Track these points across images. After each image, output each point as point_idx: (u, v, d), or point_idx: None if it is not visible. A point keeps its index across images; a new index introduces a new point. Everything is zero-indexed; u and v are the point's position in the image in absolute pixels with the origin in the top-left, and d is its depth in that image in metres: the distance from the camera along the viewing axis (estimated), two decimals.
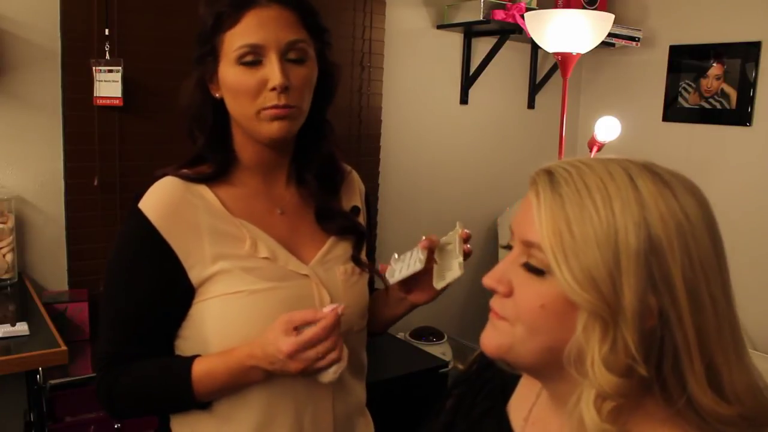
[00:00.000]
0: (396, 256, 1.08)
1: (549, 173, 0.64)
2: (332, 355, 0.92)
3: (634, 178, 0.61)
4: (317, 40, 1.04)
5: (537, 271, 0.63)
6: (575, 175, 0.62)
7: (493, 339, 0.68)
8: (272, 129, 0.99)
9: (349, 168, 1.19)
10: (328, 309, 0.92)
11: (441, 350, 2.59)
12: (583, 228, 0.59)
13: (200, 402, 0.99)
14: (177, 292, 0.99)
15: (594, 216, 0.59)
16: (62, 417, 1.71)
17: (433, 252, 1.04)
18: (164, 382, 0.99)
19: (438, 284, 1.02)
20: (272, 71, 0.96)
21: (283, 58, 0.98)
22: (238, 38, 0.97)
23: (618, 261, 0.58)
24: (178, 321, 1.01)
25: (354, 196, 1.18)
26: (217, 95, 1.02)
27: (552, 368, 0.64)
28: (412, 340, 2.63)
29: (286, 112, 0.99)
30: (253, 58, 0.97)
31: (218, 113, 1.04)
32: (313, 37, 1.03)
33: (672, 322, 0.58)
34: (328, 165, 1.12)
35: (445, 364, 2.36)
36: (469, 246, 1.04)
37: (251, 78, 0.97)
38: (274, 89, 0.97)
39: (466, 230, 1.05)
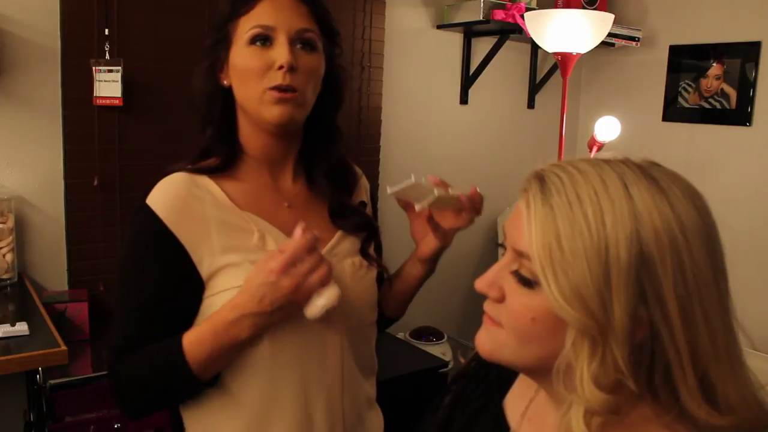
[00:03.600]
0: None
1: (541, 180, 0.62)
2: (322, 271, 0.93)
3: (628, 187, 0.58)
4: (327, 38, 1.07)
5: (527, 282, 0.62)
6: (568, 184, 0.60)
7: (486, 343, 0.67)
8: (274, 113, 1.01)
9: (359, 171, 1.21)
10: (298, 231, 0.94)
11: (441, 350, 2.59)
12: (573, 243, 0.57)
13: (200, 378, 0.97)
14: (188, 286, 1.00)
15: (584, 230, 0.57)
16: (62, 417, 1.71)
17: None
18: (160, 362, 0.98)
19: (418, 205, 1.08)
20: (281, 51, 1.00)
21: (293, 43, 1.01)
22: (251, 20, 1.01)
23: (608, 277, 0.56)
24: (189, 315, 1.01)
25: (360, 192, 1.20)
26: (225, 83, 1.05)
27: (547, 373, 0.64)
28: (412, 340, 2.63)
29: (289, 96, 1.01)
30: (263, 37, 1.01)
31: (226, 103, 1.06)
32: (323, 33, 1.06)
33: (663, 336, 0.57)
34: (340, 168, 1.14)
35: (445, 364, 2.36)
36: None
37: (260, 58, 1.00)
38: (280, 68, 0.99)
39: (433, 176, 1.09)
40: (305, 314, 0.95)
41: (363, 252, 1.12)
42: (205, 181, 1.03)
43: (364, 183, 1.23)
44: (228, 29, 1.03)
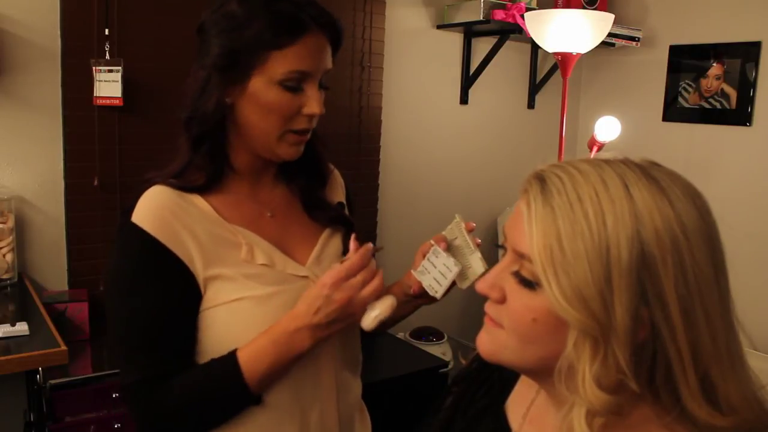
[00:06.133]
0: (414, 272, 1.08)
1: (541, 181, 0.62)
2: (376, 282, 0.96)
3: (629, 187, 0.58)
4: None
5: (528, 283, 0.62)
6: (568, 185, 0.60)
7: (487, 345, 0.67)
8: (291, 152, 1.03)
9: (331, 166, 1.20)
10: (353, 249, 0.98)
11: (441, 350, 2.59)
12: (574, 243, 0.57)
13: (253, 394, 0.97)
14: (191, 299, 0.98)
15: (585, 231, 0.57)
16: (62, 417, 1.71)
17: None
18: (214, 382, 0.97)
19: (463, 284, 1.06)
20: (313, 100, 1.00)
21: (319, 85, 1.01)
22: (289, 62, 0.97)
23: (609, 277, 0.56)
24: (196, 328, 0.99)
25: (337, 192, 1.19)
26: (227, 100, 1.00)
27: (548, 374, 0.64)
28: (412, 340, 2.63)
29: (306, 138, 1.04)
30: (297, 84, 0.99)
31: (222, 119, 1.02)
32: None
33: (664, 336, 0.57)
34: (312, 160, 1.13)
35: (445, 364, 2.36)
36: (478, 239, 1.07)
37: (291, 101, 0.99)
38: (308, 115, 1.00)
39: (470, 223, 1.07)
40: (361, 325, 0.99)
41: (346, 253, 1.12)
42: (189, 194, 1.01)
43: (340, 180, 1.21)
44: (256, 56, 0.96)
